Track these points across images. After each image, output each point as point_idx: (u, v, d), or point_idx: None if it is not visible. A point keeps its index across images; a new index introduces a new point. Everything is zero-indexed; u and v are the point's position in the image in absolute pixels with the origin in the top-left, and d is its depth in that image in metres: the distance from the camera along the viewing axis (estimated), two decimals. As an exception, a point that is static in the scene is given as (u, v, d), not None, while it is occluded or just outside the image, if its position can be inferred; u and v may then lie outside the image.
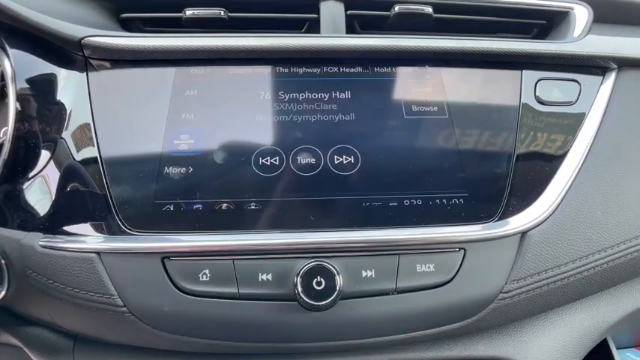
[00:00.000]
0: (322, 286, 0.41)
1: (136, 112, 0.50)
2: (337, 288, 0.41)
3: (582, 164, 0.51)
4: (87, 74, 0.52)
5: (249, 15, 0.60)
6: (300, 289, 0.41)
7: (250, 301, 0.43)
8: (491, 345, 0.52)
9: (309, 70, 0.54)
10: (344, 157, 0.48)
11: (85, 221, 0.45)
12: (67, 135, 0.48)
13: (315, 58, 0.55)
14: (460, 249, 0.45)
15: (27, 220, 0.46)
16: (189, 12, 0.58)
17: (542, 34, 0.66)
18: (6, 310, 0.55)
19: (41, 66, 0.52)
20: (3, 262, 0.46)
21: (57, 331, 0.54)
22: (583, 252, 0.48)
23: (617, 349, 0.70)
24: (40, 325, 0.54)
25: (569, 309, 0.55)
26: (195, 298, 0.43)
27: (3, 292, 0.47)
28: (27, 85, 0.50)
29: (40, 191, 0.47)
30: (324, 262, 0.42)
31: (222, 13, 0.58)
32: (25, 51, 0.52)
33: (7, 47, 0.51)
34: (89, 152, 0.47)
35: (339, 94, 0.53)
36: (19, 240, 0.45)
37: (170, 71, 0.52)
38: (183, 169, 0.47)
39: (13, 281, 0.47)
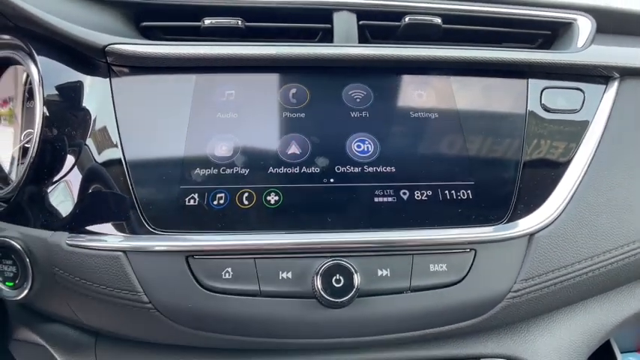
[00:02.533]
0: (341, 284, 0.43)
1: (159, 117, 0.52)
2: (355, 286, 0.43)
3: (587, 169, 0.53)
4: (110, 80, 0.53)
5: (265, 25, 0.62)
6: (319, 286, 0.43)
7: (271, 299, 0.44)
8: (500, 343, 0.54)
9: (324, 78, 0.56)
10: (360, 162, 0.50)
11: (111, 221, 0.47)
12: (92, 139, 0.50)
13: (329, 67, 0.57)
14: (471, 249, 0.47)
15: (53, 220, 0.48)
16: (207, 21, 0.59)
17: (547, 43, 0.68)
18: (28, 307, 0.57)
19: (67, 72, 0.54)
20: (28, 260, 0.48)
21: (78, 329, 0.55)
22: (588, 253, 0.50)
23: (621, 352, 0.72)
24: (61, 323, 0.55)
25: (575, 309, 0.57)
26: (218, 295, 0.44)
27: (27, 290, 0.49)
28: (54, 92, 0.52)
29: (65, 193, 0.49)
30: (343, 260, 0.44)
31: (240, 22, 0.60)
32: (52, 58, 0.54)
33: (35, 54, 0.53)
34: (114, 155, 0.49)
35: (353, 102, 0.54)
36: (45, 239, 0.47)
37: (191, 78, 0.54)
38: (205, 171, 0.48)
39: (38, 279, 0.48)
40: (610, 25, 0.68)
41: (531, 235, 0.49)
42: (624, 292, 0.61)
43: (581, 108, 0.58)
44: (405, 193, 0.48)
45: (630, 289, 0.61)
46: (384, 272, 0.45)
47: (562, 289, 0.50)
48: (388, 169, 0.50)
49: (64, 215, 0.48)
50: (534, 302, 0.49)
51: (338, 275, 0.43)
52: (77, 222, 0.47)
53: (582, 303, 0.58)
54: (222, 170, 0.49)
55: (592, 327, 0.58)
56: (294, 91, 0.55)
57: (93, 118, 0.51)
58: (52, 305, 0.53)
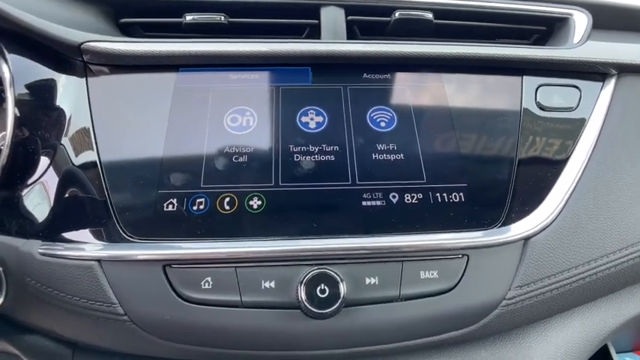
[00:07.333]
0: (326, 294, 0.41)
1: (137, 118, 0.49)
2: (341, 295, 0.41)
3: (584, 170, 0.51)
4: (86, 79, 0.51)
5: (249, 20, 0.59)
6: (303, 296, 0.41)
7: (253, 309, 0.42)
8: (494, 351, 0.52)
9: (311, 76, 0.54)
10: (347, 164, 0.48)
11: (85, 228, 0.44)
12: (66, 141, 0.48)
13: (316, 64, 0.55)
14: (463, 255, 0.45)
15: (26, 226, 0.46)
16: (189, 17, 0.57)
17: (542, 39, 0.67)
18: (3, 317, 0.55)
19: (40, 71, 0.51)
20: (1, 269, 0.46)
21: (56, 340, 0.53)
22: (586, 258, 0.48)
23: (616, 353, 0.70)
24: (39, 334, 0.53)
25: (571, 315, 0.55)
26: (197, 306, 0.42)
27: (1, 300, 0.46)
28: (26, 91, 0.50)
29: (39, 198, 0.47)
30: (328, 269, 0.42)
31: (223, 18, 0.58)
32: (24, 56, 0.51)
33: (6, 52, 0.50)
34: (89, 158, 0.47)
35: (340, 100, 0.52)
36: (17, 247, 0.45)
37: (171, 76, 0.52)
38: (184, 176, 0.46)
39: (11, 289, 0.46)
40: (607, 20, 0.66)
41: (526, 239, 0.47)
42: (623, 295, 0.59)
43: (578, 106, 0.56)
44: (394, 197, 0.46)
45: (629, 292, 0.59)
46: (373, 280, 0.43)
47: (559, 295, 0.48)
48: (377, 172, 0.48)
49: (36, 222, 0.46)
50: (529, 309, 0.47)
51: (323, 285, 0.41)
52: (50, 229, 0.45)
53: (579, 308, 0.56)
54: (203, 174, 0.46)
55: (590, 332, 0.56)
56: (278, 90, 0.53)
57: (67, 119, 0.49)
58: (28, 316, 0.51)
